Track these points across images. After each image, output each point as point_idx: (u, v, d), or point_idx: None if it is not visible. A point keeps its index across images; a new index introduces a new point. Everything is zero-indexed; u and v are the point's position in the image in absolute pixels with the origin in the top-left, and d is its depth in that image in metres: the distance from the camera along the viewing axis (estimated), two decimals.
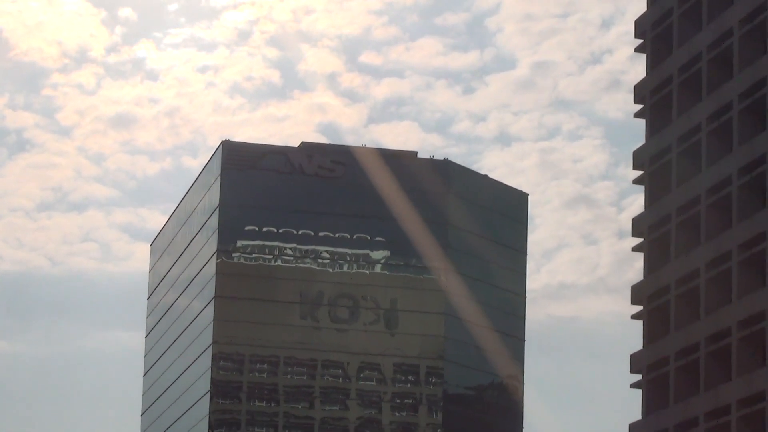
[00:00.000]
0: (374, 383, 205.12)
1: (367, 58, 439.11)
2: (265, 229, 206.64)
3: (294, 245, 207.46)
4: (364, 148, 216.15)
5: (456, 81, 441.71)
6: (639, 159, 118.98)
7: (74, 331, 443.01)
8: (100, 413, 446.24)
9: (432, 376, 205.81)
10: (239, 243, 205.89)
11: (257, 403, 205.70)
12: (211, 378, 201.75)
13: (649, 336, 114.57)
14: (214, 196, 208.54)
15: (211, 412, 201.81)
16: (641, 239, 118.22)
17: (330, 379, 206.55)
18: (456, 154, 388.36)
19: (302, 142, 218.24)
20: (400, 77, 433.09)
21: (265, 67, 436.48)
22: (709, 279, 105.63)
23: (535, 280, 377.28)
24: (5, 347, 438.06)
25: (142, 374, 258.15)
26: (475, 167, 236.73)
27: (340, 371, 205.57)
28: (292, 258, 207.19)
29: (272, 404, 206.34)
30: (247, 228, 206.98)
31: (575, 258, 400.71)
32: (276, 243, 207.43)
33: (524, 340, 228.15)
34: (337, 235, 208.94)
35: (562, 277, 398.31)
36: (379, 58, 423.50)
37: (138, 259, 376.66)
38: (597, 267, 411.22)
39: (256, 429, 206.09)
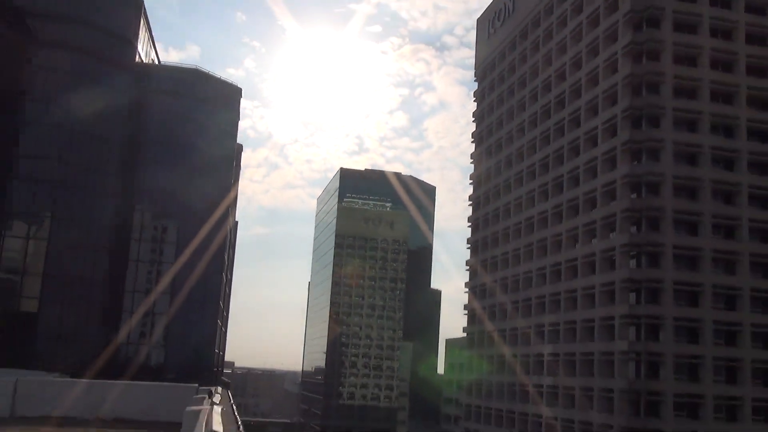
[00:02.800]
0: (388, 243, 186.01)
1: (387, 142, 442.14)
2: (354, 196, 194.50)
3: (362, 202, 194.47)
4: (387, 172, 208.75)
5: (413, 152, 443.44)
6: (472, 178, 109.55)
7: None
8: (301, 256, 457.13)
9: (404, 238, 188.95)
10: (344, 201, 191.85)
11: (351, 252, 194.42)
12: (335, 242, 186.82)
13: (473, 223, 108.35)
14: (336, 184, 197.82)
15: (335, 261, 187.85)
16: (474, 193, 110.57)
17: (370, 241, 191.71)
18: (416, 174, 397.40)
19: (366, 169, 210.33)
20: (395, 149, 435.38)
21: (354, 145, 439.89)
22: (492, 189, 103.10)
23: (437, 212, 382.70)
24: None
25: (311, 250, 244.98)
26: (421, 178, 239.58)
27: (377, 238, 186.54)
28: (360, 206, 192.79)
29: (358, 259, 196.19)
30: (347, 195, 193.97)
31: (452, 199, 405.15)
32: (357, 200, 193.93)
33: (434, 225, 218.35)
34: (377, 198, 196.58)
35: (446, 211, 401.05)
36: (391, 143, 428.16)
37: (312, 204, 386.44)
38: (457, 204, 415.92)
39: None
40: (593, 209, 76.46)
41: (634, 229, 70.82)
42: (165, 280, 77.22)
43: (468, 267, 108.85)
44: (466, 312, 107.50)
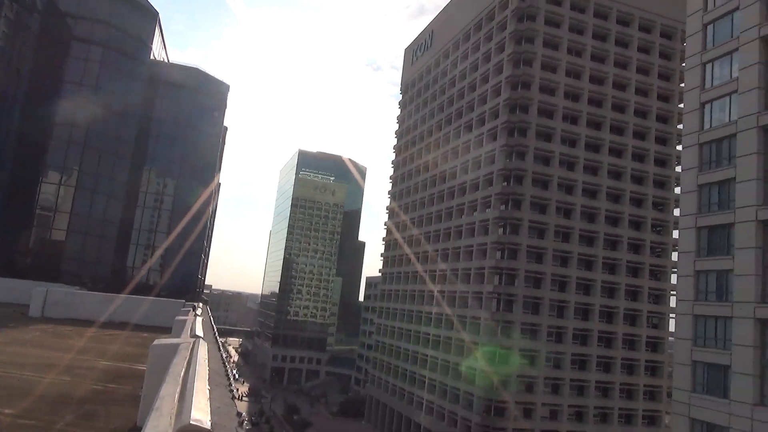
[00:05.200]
0: (329, 206, 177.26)
1: (335, 132, 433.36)
2: (308, 171, 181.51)
3: (312, 175, 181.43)
4: (334, 154, 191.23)
5: (353, 140, 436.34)
6: (393, 163, 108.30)
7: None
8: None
9: (341, 203, 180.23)
10: (300, 173, 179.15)
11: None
12: (291, 203, 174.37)
13: (392, 194, 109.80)
14: (295, 160, 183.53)
15: (290, 216, 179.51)
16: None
17: (316, 203, 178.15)
18: (353, 158, 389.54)
19: (318, 151, 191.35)
20: (341, 138, 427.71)
21: (311, 132, 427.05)
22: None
23: (366, 186, 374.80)
24: None
25: (274, 207, 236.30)
26: (357, 161, 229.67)
27: (322, 202, 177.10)
28: (311, 178, 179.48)
29: (307, 216, 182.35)
30: (302, 169, 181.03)
31: (378, 176, 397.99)
32: (309, 174, 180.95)
33: (364, 195, 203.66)
34: (324, 172, 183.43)
35: (373, 185, 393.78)
36: (338, 133, 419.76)
37: (276, 173, 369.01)
38: (381, 180, 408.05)
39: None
40: (476, 191, 77.30)
41: (503, 207, 72.13)
42: (163, 222, 75.53)
43: (387, 210, 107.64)
44: (384, 242, 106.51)
